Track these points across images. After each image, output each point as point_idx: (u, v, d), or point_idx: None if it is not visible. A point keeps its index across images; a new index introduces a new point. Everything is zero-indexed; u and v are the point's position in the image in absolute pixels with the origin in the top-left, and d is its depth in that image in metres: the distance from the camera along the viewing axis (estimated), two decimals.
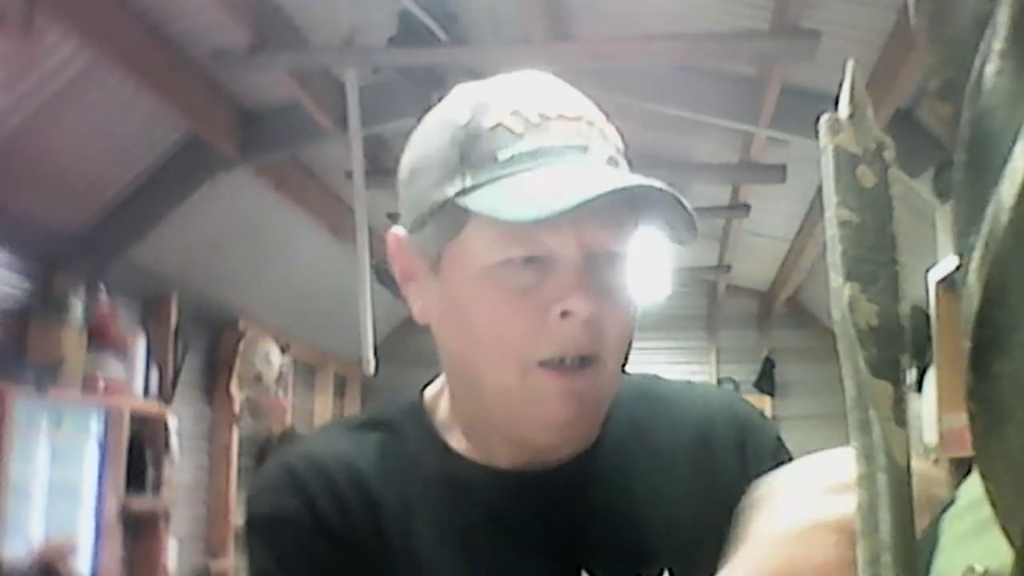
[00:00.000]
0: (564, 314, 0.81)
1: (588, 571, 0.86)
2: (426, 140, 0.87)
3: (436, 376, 0.95)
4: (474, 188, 0.81)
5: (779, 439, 0.96)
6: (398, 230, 0.89)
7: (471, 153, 0.82)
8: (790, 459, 0.94)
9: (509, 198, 0.79)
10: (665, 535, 0.88)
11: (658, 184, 0.79)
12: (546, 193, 0.77)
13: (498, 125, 0.82)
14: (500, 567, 0.85)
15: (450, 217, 0.83)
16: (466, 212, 0.81)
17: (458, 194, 0.81)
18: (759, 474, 0.91)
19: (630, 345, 0.87)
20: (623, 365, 0.87)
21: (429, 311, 0.88)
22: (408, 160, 0.89)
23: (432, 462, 0.89)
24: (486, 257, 0.81)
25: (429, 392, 0.95)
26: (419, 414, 0.93)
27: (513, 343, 0.81)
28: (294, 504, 0.85)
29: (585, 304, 0.80)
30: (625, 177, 0.81)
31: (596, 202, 0.78)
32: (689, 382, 1.03)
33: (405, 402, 0.95)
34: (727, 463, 0.92)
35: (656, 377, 1.01)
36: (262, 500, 0.88)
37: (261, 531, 0.86)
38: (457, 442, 0.90)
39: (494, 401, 0.84)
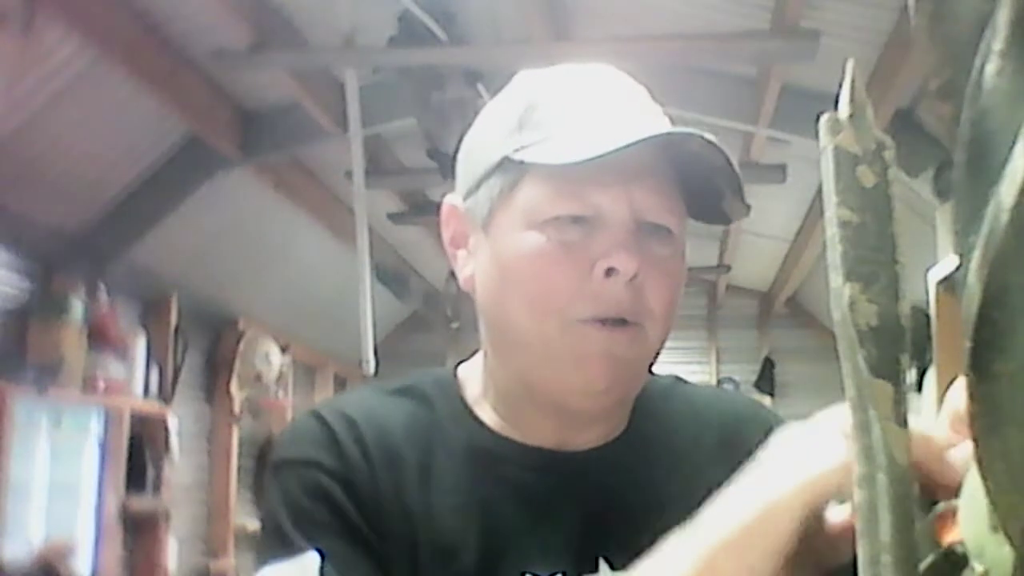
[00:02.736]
0: (608, 272, 0.81)
1: (607, 561, 0.85)
2: (487, 115, 0.90)
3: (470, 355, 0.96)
4: (530, 145, 0.83)
5: None
6: (451, 198, 0.91)
7: (530, 119, 0.85)
8: None
9: (560, 149, 0.81)
10: None
11: (708, 136, 0.80)
12: (595, 142, 0.79)
13: (558, 97, 0.86)
14: (517, 543, 0.85)
15: (505, 175, 0.85)
16: (520, 169, 0.83)
17: (515, 151, 0.84)
18: None
19: (669, 328, 0.87)
20: (660, 347, 0.87)
21: (474, 278, 0.89)
22: (471, 133, 0.92)
23: (460, 433, 0.90)
24: (536, 213, 0.83)
25: (463, 368, 0.95)
26: (451, 387, 0.93)
27: (555, 299, 0.82)
28: (323, 451, 0.86)
29: (630, 263, 0.81)
30: (673, 127, 0.83)
31: (649, 165, 0.81)
32: (716, 386, 1.03)
33: (438, 375, 0.96)
34: None
35: (683, 379, 1.01)
36: (291, 445, 0.89)
37: (285, 474, 0.87)
38: (486, 416, 0.91)
39: (534, 360, 0.84)
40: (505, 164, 0.84)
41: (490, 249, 0.86)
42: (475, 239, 0.89)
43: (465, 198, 0.89)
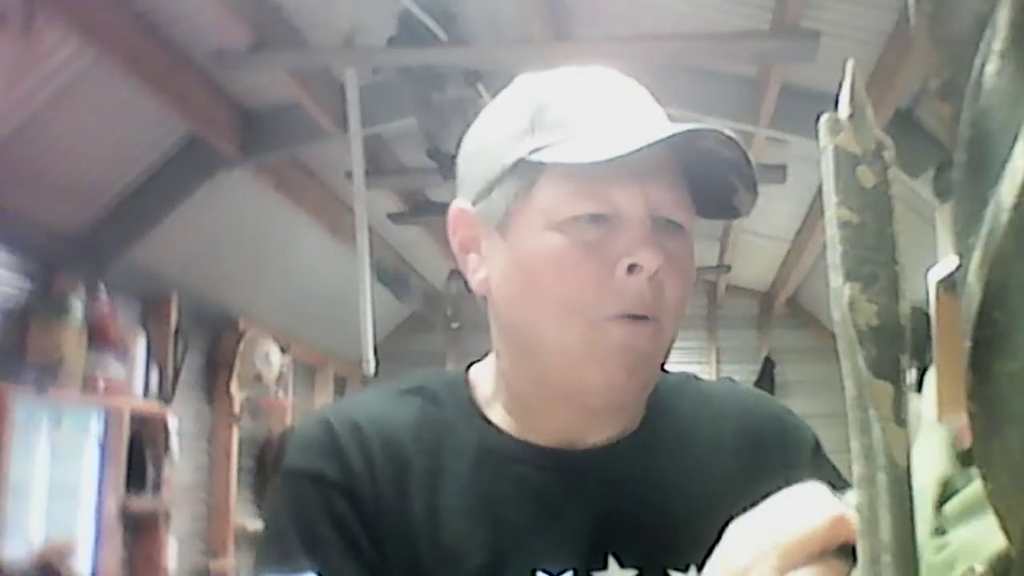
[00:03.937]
0: (631, 269, 0.82)
1: (616, 557, 0.86)
2: (494, 117, 0.90)
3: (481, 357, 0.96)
4: (547, 146, 0.83)
5: (816, 440, 0.96)
6: (460, 203, 0.91)
7: (542, 120, 0.85)
8: (827, 460, 0.94)
9: (582, 149, 0.81)
10: (698, 529, 0.86)
11: (727, 131, 0.80)
12: (613, 142, 0.80)
13: (569, 98, 0.86)
14: (525, 541, 0.85)
15: (521, 176, 0.85)
16: (537, 170, 0.83)
17: (530, 152, 0.84)
18: (797, 473, 0.89)
19: (678, 325, 0.88)
20: (672, 343, 0.88)
21: (488, 281, 0.89)
22: (474, 137, 0.91)
23: (469, 433, 0.90)
24: (555, 213, 0.83)
25: (474, 370, 0.96)
26: (462, 388, 0.94)
27: (579, 299, 0.82)
28: (327, 462, 0.87)
29: (653, 259, 0.81)
30: (685, 125, 0.83)
31: (662, 161, 0.82)
32: (729, 381, 1.03)
33: (450, 376, 0.96)
34: (768, 460, 0.92)
35: (695, 376, 1.01)
36: (299, 454, 0.90)
37: (291, 485, 0.88)
38: (497, 417, 0.91)
39: (554, 363, 0.85)
40: (520, 166, 0.84)
41: (508, 252, 0.86)
42: (488, 243, 0.88)
43: (475, 202, 0.89)
